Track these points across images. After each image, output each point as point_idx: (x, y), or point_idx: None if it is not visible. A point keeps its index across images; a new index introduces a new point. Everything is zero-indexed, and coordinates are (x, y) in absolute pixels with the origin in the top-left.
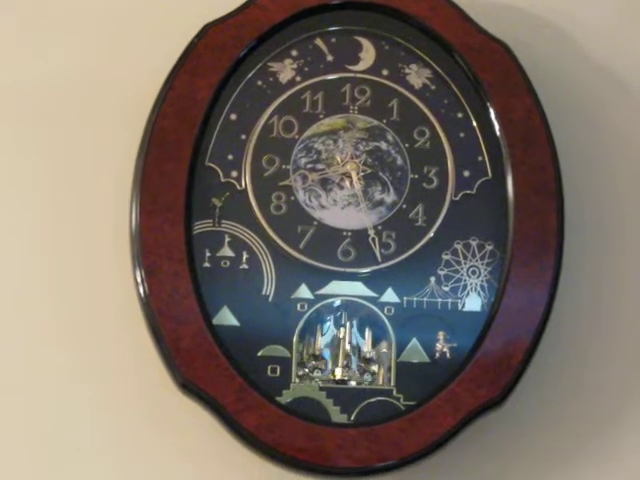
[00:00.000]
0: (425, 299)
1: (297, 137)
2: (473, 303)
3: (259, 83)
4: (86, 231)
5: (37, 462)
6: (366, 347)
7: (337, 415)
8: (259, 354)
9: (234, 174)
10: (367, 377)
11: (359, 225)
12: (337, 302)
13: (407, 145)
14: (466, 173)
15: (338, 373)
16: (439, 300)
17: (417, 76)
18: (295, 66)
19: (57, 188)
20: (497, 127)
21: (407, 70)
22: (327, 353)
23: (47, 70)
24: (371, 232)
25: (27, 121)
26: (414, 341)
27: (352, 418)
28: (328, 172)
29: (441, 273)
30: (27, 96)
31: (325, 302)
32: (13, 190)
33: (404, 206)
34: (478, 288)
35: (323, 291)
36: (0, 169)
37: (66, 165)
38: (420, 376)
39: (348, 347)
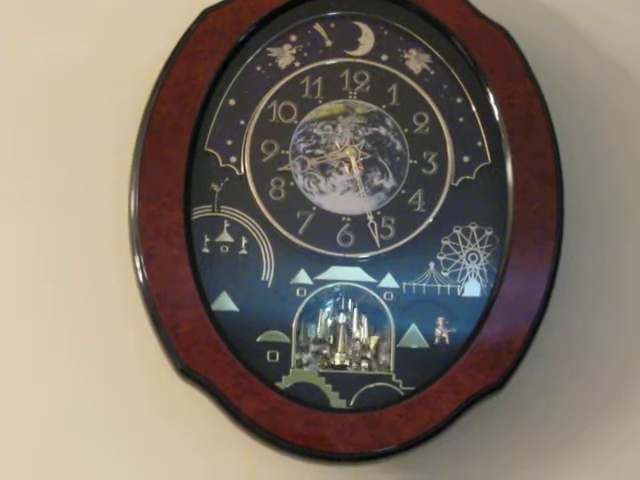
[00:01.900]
0: (424, 285)
1: (296, 122)
2: (472, 288)
3: (258, 68)
4: (85, 217)
5: (36, 447)
6: (365, 332)
7: (336, 400)
8: (258, 339)
9: (233, 159)
10: (366, 362)
11: (358, 210)
12: (336, 288)
13: (406, 130)
14: (465, 158)
15: (337, 358)
16: (438, 285)
17: (416, 61)
18: (294, 51)
19: (55, 175)
20: (497, 112)
21: (406, 55)
22: (326, 338)
23: (44, 56)
24: (370, 217)
25: (23, 107)
26: (413, 327)
27: (351, 403)
28: (327, 157)
29: (440, 259)
30: (24, 83)
31: (324, 287)
32: (10, 178)
33: (403, 191)
34: (477, 274)
35: (322, 277)
36: None
37: (64, 152)
38: (419, 361)
39: (347, 332)
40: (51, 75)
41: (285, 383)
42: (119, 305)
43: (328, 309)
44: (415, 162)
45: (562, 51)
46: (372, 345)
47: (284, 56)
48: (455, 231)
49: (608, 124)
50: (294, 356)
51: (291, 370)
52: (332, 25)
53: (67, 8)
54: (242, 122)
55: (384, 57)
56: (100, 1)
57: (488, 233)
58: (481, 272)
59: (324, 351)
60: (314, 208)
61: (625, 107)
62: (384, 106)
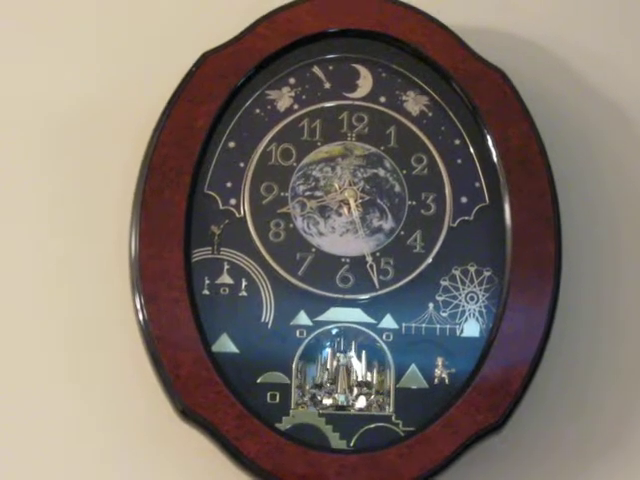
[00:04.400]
0: (424, 325)
1: (295, 164)
2: (471, 329)
3: (257, 111)
4: (86, 258)
5: None
6: (365, 373)
7: (336, 441)
8: (258, 381)
9: (233, 202)
10: (366, 403)
11: (357, 252)
12: (336, 329)
13: (405, 172)
14: (464, 199)
15: (337, 399)
16: (437, 326)
17: (414, 103)
18: (293, 94)
19: (57, 217)
20: (494, 154)
21: (404, 97)
22: (326, 379)
23: (44, 99)
24: (369, 259)
25: (24, 150)
26: (413, 367)
27: (351, 444)
28: (326, 199)
29: (439, 299)
30: (23, 125)
31: (324, 329)
32: (13, 217)
33: (402, 232)
34: (476, 314)
35: (322, 318)
36: (2, 193)
37: (66, 193)
38: (419, 402)
39: (347, 373)
40: (52, 118)
41: (285, 424)
42: (120, 346)
43: (328, 350)
44: (414, 203)
45: (559, 94)
46: (372, 386)
47: (283, 99)
48: (454, 272)
49: (604, 165)
50: (294, 397)
51: (291, 411)
52: (330, 68)
53: (68, 51)
54: (242, 164)
55: (382, 99)
56: (101, 44)
57: (487, 273)
58: (480, 312)
59: (324, 392)
60: (313, 250)
61: (620, 148)
62: (383, 148)
